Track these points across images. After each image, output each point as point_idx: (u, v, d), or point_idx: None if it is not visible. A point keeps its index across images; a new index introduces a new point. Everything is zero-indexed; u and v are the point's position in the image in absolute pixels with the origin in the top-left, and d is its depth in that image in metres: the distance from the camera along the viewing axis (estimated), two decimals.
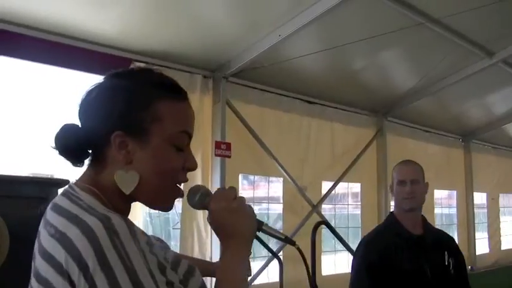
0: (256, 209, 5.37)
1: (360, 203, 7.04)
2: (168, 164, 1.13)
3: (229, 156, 4.94)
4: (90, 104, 1.14)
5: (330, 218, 6.40)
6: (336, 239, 6.17)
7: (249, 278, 1.90)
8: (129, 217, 1.14)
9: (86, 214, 1.00)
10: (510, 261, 9.93)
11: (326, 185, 6.46)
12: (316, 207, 6.09)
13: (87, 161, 1.17)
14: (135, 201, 1.16)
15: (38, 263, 1.03)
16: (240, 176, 5.48)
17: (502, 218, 10.36)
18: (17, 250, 2.22)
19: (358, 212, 7.01)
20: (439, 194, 8.38)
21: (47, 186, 2.51)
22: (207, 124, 5.02)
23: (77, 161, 1.16)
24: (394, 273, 2.52)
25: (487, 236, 9.91)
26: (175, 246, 4.71)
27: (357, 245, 2.82)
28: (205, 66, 5.01)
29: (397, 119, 7.51)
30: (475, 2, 4.37)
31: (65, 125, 1.15)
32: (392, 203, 7.91)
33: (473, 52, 5.72)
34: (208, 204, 1.21)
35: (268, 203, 5.96)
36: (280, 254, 4.79)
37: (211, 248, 4.88)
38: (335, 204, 6.80)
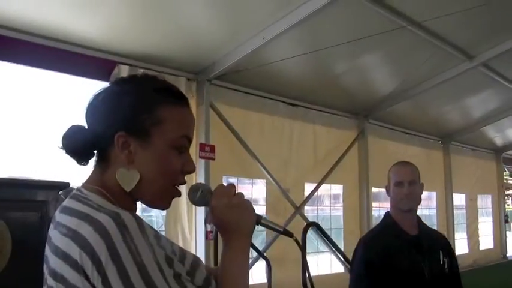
0: None
1: (342, 205, 7.10)
2: (168, 166, 1.18)
3: (213, 159, 4.96)
4: (96, 106, 1.20)
5: (312, 220, 6.42)
6: (318, 240, 6.27)
7: None
8: None
9: (96, 212, 1.04)
10: (488, 261, 10.11)
11: (309, 187, 6.51)
12: (299, 209, 6.14)
13: (92, 162, 1.21)
14: (137, 200, 1.21)
15: (53, 262, 1.07)
16: (224, 178, 5.50)
17: (480, 219, 10.54)
18: (19, 253, 2.22)
19: (340, 213, 7.08)
20: None
21: (47, 189, 2.53)
22: None
23: (82, 160, 1.21)
24: (393, 274, 2.54)
25: (466, 237, 10.06)
26: None
27: (352, 246, 2.83)
28: (189, 69, 5.03)
29: (378, 121, 7.61)
30: (457, 6, 4.44)
31: (72, 126, 1.20)
32: (374, 204, 7.91)
33: (453, 55, 5.81)
34: (209, 201, 1.25)
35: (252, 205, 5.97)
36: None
37: (195, 250, 4.89)
38: (318, 206, 6.85)
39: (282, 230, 1.35)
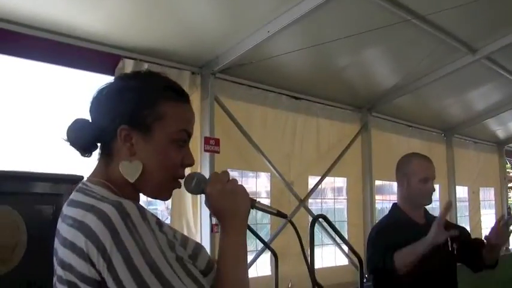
0: None
1: (345, 197, 7.13)
2: (168, 159, 1.23)
3: (218, 152, 4.98)
4: (100, 101, 1.25)
5: (316, 213, 6.46)
6: (323, 233, 6.30)
7: None
8: None
9: (100, 203, 1.10)
10: None
11: (312, 180, 6.53)
12: (303, 202, 6.17)
13: (95, 155, 1.27)
14: (139, 192, 1.26)
15: (61, 253, 1.12)
16: (229, 172, 5.50)
17: (482, 211, 10.55)
18: (33, 244, 2.26)
19: (344, 206, 7.11)
20: None
21: (61, 182, 2.56)
22: (195, 120, 5.03)
23: (85, 152, 1.26)
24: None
25: (469, 229, 10.05)
26: None
27: (356, 239, 2.84)
28: (194, 62, 5.04)
29: (381, 115, 7.62)
30: None
31: (77, 119, 1.25)
32: (378, 197, 7.85)
33: (456, 48, 5.81)
34: (204, 188, 1.30)
35: (256, 198, 5.99)
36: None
37: (201, 243, 4.91)
38: (321, 199, 6.88)
39: (275, 211, 1.41)
